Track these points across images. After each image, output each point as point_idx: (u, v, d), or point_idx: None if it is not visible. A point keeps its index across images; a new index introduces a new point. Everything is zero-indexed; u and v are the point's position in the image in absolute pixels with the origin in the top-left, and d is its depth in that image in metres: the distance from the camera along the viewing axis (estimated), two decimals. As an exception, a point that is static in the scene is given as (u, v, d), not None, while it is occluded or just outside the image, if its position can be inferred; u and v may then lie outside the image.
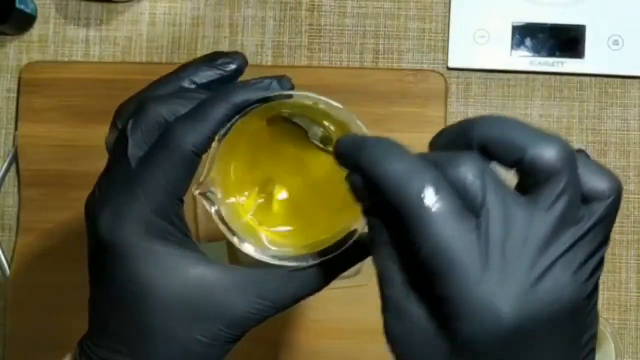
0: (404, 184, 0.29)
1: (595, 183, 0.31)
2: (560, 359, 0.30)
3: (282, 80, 0.40)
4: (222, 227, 0.38)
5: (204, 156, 0.38)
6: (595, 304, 0.32)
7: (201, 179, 0.37)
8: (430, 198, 0.29)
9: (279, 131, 0.41)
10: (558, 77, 0.77)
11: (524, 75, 0.77)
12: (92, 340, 0.39)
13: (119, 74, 0.77)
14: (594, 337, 0.32)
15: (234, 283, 0.38)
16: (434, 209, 0.29)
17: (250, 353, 0.72)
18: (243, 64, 0.42)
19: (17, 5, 0.75)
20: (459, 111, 0.77)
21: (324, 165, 0.40)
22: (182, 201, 0.38)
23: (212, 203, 0.38)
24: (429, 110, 0.75)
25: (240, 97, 0.38)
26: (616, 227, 0.75)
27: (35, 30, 0.79)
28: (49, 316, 0.74)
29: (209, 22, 0.79)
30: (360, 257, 0.39)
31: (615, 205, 0.31)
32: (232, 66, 0.41)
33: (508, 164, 0.30)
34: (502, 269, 0.29)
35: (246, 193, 0.41)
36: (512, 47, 0.77)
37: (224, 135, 0.37)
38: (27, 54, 0.79)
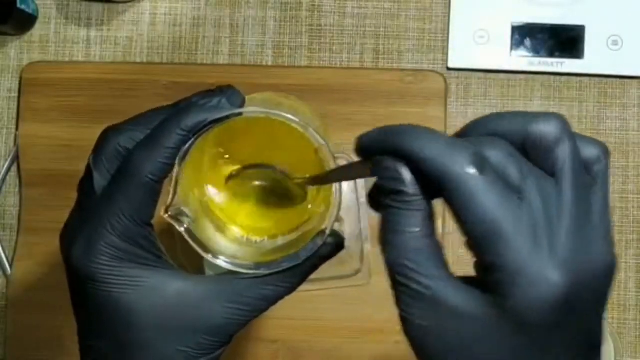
0: (449, 159, 0.30)
1: (589, 150, 0.33)
2: (596, 327, 0.32)
3: (232, 97, 0.40)
4: (194, 245, 0.39)
5: (166, 180, 0.39)
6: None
7: (168, 203, 0.39)
8: (476, 171, 0.30)
9: (251, 140, 0.43)
10: (557, 77, 0.77)
11: (523, 76, 0.77)
12: None
13: (119, 74, 0.77)
14: (607, 297, 0.33)
15: (209, 293, 0.39)
16: (480, 182, 0.30)
17: (250, 353, 0.72)
18: (238, 99, 0.41)
19: (19, 5, 0.75)
20: (459, 111, 0.77)
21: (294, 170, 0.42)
22: (150, 225, 0.40)
23: (181, 223, 0.39)
24: (429, 110, 0.75)
25: (191, 120, 0.39)
26: (615, 227, 0.75)
27: (37, 31, 0.80)
28: (50, 315, 0.74)
29: (209, 22, 0.79)
30: (329, 257, 0.41)
31: (609, 167, 0.33)
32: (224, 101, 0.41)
33: (518, 146, 0.32)
34: (549, 240, 0.30)
35: (216, 205, 0.43)
36: (511, 48, 0.77)
37: (183, 158, 0.39)
38: (28, 54, 0.79)
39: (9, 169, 0.77)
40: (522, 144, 0.32)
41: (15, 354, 0.74)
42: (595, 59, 0.76)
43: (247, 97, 0.41)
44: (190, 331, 0.39)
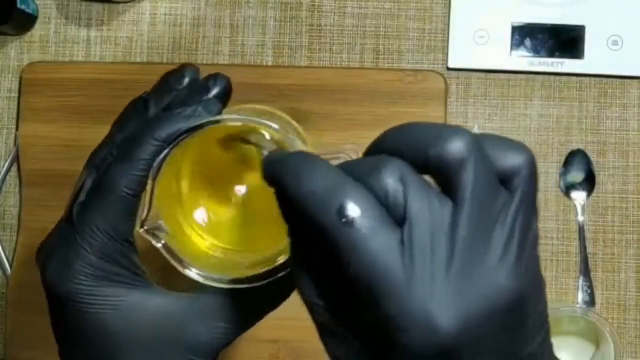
0: (322, 202, 0.28)
1: (508, 159, 0.29)
2: (507, 352, 0.29)
3: (209, 104, 0.38)
4: (172, 261, 0.37)
5: (143, 194, 0.37)
6: (543, 282, 0.30)
7: (143, 217, 0.37)
8: (352, 213, 0.27)
9: (230, 149, 0.41)
10: (557, 77, 0.77)
11: (523, 76, 0.77)
12: None
13: (119, 74, 0.77)
14: (544, 316, 0.30)
15: (191, 310, 0.38)
16: (355, 225, 0.27)
17: (250, 353, 0.72)
18: (194, 75, 0.40)
19: (19, 5, 0.75)
20: (459, 111, 0.77)
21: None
22: (127, 241, 0.38)
23: (158, 239, 0.37)
24: (429, 110, 0.75)
25: (164, 131, 0.37)
26: (615, 227, 0.75)
27: (37, 31, 0.80)
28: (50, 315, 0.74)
29: (209, 22, 0.79)
30: None
31: (533, 175, 0.29)
32: (185, 80, 0.40)
33: (420, 169, 0.29)
34: (432, 277, 0.27)
35: (194, 217, 0.41)
36: (511, 48, 0.77)
37: (158, 170, 0.37)
38: (28, 54, 0.79)
39: (9, 169, 0.77)
40: (424, 165, 0.29)
41: (15, 354, 0.74)
42: (595, 58, 0.76)
43: (225, 110, 0.39)
44: (173, 350, 0.37)
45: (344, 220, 0.27)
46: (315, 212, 0.28)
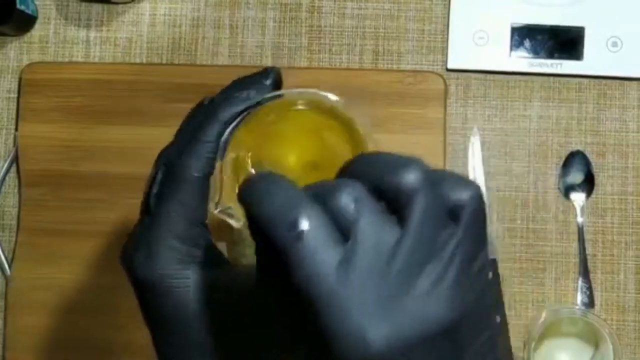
0: (277, 217, 0.29)
1: (456, 194, 0.30)
2: None
3: (263, 88, 0.40)
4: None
5: (212, 177, 0.39)
6: (490, 306, 0.31)
7: (216, 199, 0.38)
8: (302, 227, 0.29)
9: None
10: (557, 78, 0.77)
11: (523, 77, 0.78)
12: None
13: (119, 74, 0.77)
14: (494, 339, 0.32)
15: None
16: (303, 239, 0.29)
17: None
18: (277, 79, 0.42)
19: (18, 6, 0.75)
20: (458, 112, 0.77)
21: (331, 158, 0.42)
22: (204, 224, 0.39)
23: (237, 218, 0.38)
24: (429, 111, 0.75)
25: (226, 113, 0.39)
26: (614, 229, 0.75)
27: (36, 31, 0.80)
28: (49, 316, 0.74)
29: (209, 23, 0.79)
30: None
31: (479, 210, 0.31)
32: (268, 82, 0.42)
33: (377, 196, 0.30)
34: (368, 298, 0.28)
35: None
36: (511, 49, 0.77)
37: (223, 151, 0.38)
38: (28, 55, 0.79)
39: (8, 170, 0.77)
40: (380, 192, 0.30)
41: (15, 354, 0.74)
42: (594, 60, 0.76)
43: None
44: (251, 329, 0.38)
45: (293, 234, 0.29)
46: (269, 226, 0.30)
